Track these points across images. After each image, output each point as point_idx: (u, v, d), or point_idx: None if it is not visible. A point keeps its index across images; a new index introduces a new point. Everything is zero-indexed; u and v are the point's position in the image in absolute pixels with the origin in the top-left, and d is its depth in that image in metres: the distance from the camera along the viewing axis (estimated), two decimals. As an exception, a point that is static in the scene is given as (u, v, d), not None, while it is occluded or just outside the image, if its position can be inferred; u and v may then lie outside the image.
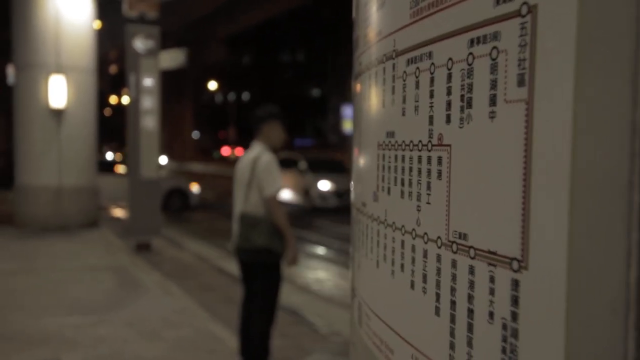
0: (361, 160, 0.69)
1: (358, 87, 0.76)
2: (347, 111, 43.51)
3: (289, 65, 52.35)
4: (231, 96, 46.51)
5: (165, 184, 12.57)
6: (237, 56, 51.57)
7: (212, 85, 45.16)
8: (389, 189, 0.57)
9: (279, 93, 46.02)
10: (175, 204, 12.59)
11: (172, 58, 10.69)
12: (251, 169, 3.40)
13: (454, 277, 0.44)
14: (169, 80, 35.56)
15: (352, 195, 0.76)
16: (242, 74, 52.44)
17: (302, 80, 51.01)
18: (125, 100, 8.88)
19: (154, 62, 7.99)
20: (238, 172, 3.54)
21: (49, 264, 6.85)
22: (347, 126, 43.33)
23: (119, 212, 12.35)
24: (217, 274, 6.76)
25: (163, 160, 28.47)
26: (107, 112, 48.53)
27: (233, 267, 6.29)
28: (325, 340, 4.45)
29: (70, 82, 9.49)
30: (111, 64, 34.98)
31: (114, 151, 33.66)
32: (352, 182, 0.80)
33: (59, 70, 9.35)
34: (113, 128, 48.01)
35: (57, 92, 9.32)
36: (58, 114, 9.42)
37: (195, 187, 12.90)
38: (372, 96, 0.64)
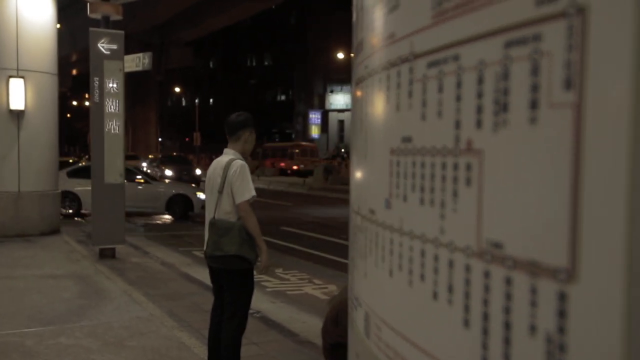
0: (368, 167, 0.67)
1: (360, 91, 0.74)
2: (313, 117, 43.58)
3: (255, 69, 52.26)
4: (197, 101, 46.09)
5: (168, 190, 12.76)
6: (204, 61, 51.18)
7: (178, 89, 44.63)
8: (405, 196, 0.55)
9: (245, 98, 45.83)
10: (179, 209, 12.64)
11: (137, 61, 10.52)
12: (223, 175, 3.34)
13: (486, 288, 0.43)
14: (134, 84, 35.00)
15: (355, 203, 0.74)
16: (208, 78, 52.07)
17: (269, 86, 50.97)
18: (89, 103, 8.71)
19: (118, 65, 7.83)
20: (210, 178, 3.47)
21: (8, 272, 6.61)
22: (314, 132, 43.40)
23: (83, 218, 12.05)
24: (186, 281, 6.63)
25: (199, 172, 27.56)
26: (69, 115, 47.46)
27: (202, 274, 6.20)
28: (295, 348, 4.40)
29: (31, 85, 9.23)
30: (73, 67, 34.20)
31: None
32: (351, 189, 0.78)
33: (19, 73, 9.09)
34: (74, 131, 46.92)
35: (17, 95, 9.06)
36: (17, 117, 9.14)
37: (200, 194, 12.99)
38: (381, 100, 0.62)
